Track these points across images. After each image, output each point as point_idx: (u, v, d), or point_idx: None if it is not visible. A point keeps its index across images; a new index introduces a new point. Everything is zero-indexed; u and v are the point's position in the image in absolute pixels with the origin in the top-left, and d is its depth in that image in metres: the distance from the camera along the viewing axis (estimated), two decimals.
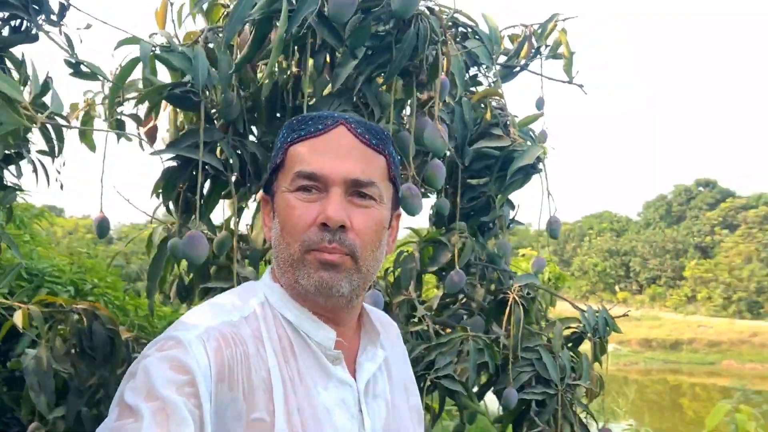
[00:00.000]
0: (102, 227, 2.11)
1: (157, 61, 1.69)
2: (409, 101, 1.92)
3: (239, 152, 1.76)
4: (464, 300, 2.64)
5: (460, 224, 2.53)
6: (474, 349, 2.06)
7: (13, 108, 1.19)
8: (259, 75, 1.89)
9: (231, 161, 1.73)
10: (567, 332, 2.80)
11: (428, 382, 2.04)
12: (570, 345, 2.73)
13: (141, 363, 0.86)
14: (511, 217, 2.74)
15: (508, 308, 2.29)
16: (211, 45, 1.75)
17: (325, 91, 1.92)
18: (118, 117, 2.21)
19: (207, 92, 1.59)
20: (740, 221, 41.01)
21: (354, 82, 1.71)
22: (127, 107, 2.22)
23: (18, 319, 2.23)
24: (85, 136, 2.25)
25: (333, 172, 0.95)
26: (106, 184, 2.01)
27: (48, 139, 1.96)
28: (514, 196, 2.55)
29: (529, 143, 2.29)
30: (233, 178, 1.75)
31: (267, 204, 1.03)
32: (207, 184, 1.89)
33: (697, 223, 43.63)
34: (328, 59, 1.79)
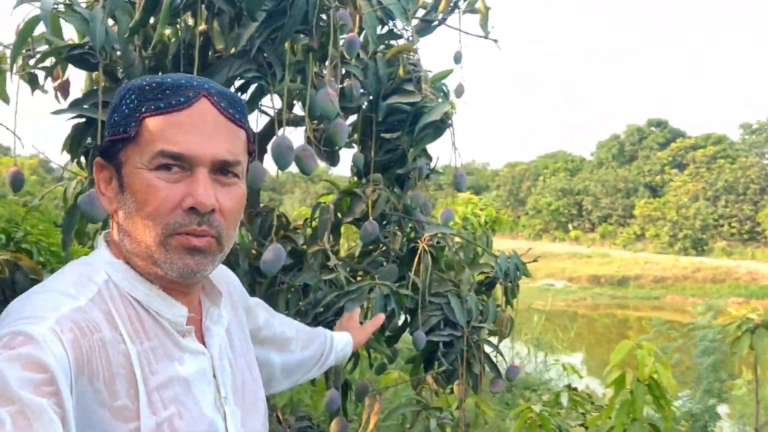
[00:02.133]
0: (16, 181, 2.13)
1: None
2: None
3: None
4: (384, 249, 2.76)
5: (375, 176, 2.63)
6: (380, 295, 2.19)
7: None
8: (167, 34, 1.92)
9: None
10: (481, 277, 2.97)
11: None
12: (484, 289, 2.91)
13: None
14: (431, 167, 2.84)
15: (417, 256, 2.42)
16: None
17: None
18: (31, 71, 2.21)
19: (105, 53, 1.62)
20: (689, 160, 42.09)
21: (254, 42, 1.76)
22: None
23: None
24: None
25: (200, 154, 0.91)
26: (23, 137, 2.04)
27: None
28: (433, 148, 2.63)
29: (439, 99, 2.38)
30: None
31: (103, 170, 0.97)
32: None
33: (647, 163, 44.61)
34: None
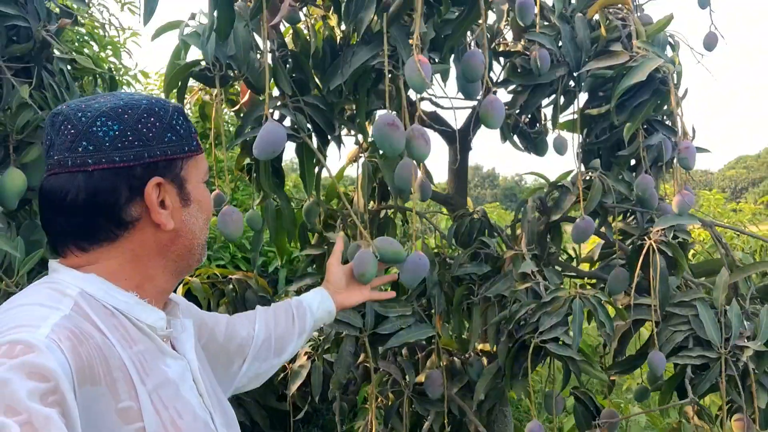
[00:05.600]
0: (218, 201, 2.24)
1: None
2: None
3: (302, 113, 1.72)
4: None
5: (594, 162, 2.18)
6: (578, 307, 1.76)
7: None
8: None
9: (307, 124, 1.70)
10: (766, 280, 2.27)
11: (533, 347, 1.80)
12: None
13: None
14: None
15: (641, 257, 1.91)
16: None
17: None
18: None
19: (219, 66, 1.58)
20: None
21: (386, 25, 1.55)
22: None
23: (179, 292, 2.51)
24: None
25: None
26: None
27: None
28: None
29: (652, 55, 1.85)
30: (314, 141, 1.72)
31: (161, 188, 0.97)
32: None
33: None
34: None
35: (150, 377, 0.92)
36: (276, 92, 1.81)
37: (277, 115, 1.73)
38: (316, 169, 1.92)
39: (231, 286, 2.61)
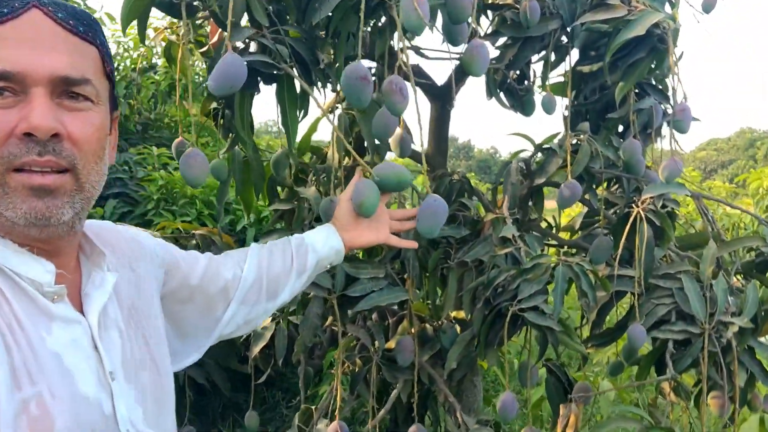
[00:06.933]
0: (179, 151, 2.08)
1: None
2: None
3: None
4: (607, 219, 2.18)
5: (583, 125, 2.07)
6: (561, 275, 1.66)
7: None
8: None
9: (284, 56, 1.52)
10: (751, 255, 2.20)
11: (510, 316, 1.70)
12: (754, 272, 2.14)
13: None
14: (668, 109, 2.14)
15: (628, 226, 1.81)
16: None
17: None
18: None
19: None
20: None
21: None
22: None
23: None
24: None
25: (32, 69, 0.77)
26: None
27: None
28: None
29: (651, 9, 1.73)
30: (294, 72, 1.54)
31: None
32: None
33: None
34: None
35: (19, 346, 0.76)
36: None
37: (254, 47, 1.57)
38: (300, 115, 1.75)
39: (194, 241, 2.47)
